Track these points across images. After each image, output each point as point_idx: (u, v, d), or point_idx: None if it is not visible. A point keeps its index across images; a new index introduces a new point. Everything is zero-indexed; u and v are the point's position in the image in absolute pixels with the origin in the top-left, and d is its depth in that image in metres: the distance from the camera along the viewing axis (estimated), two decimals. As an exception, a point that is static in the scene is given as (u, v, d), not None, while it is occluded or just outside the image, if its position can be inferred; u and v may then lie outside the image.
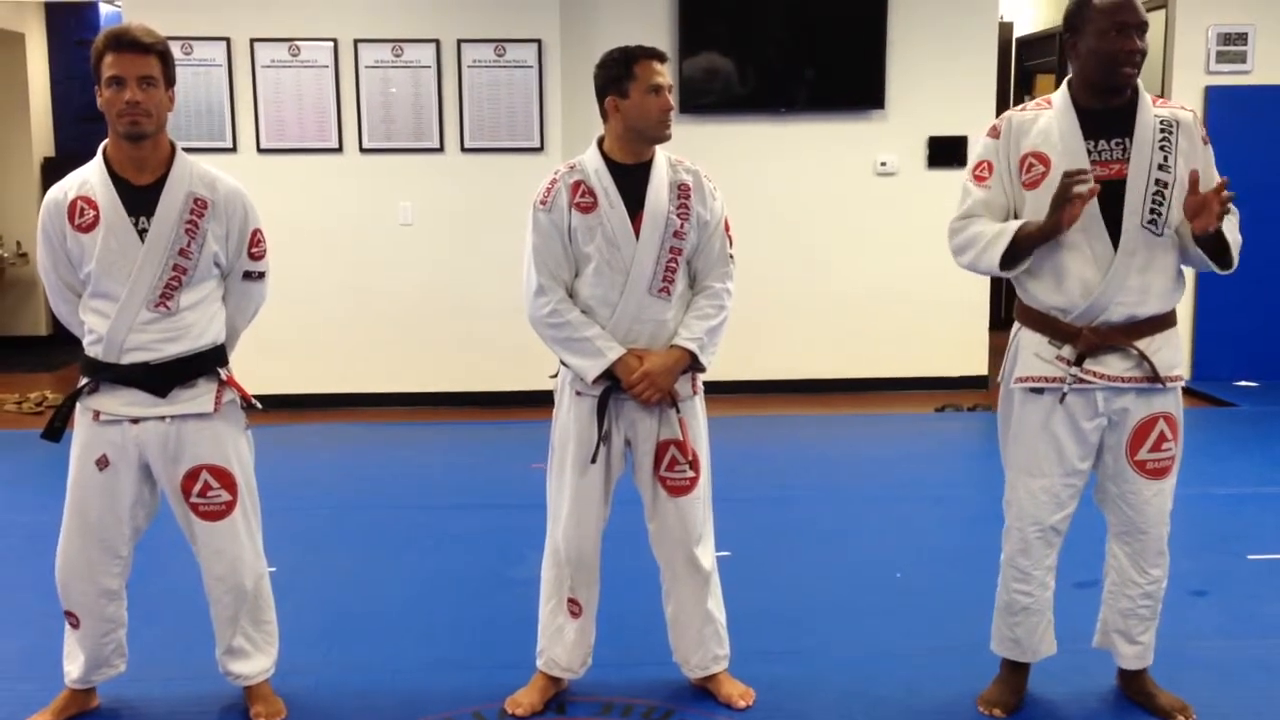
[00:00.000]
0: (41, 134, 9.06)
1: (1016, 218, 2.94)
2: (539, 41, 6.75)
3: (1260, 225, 7.22)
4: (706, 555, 3.17)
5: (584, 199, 3.02)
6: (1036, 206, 2.87)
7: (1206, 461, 5.63)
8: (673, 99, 3.05)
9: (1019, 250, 2.89)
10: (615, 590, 3.36)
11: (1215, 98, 7.12)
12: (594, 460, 3.05)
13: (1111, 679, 3.22)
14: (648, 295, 3.03)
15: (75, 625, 3.08)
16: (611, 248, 3.01)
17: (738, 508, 4.16)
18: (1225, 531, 4.59)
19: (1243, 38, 7.14)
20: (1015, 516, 3.07)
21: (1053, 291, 2.92)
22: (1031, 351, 2.97)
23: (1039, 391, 2.97)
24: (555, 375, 3.19)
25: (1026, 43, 9.22)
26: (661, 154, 3.10)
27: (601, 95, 3.04)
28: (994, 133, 2.99)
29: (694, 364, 3.08)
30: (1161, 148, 2.86)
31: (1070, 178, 2.76)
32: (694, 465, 3.11)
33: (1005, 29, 8.75)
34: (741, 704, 3.19)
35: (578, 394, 3.09)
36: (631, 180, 3.03)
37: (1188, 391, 7.17)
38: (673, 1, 7.00)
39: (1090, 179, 2.76)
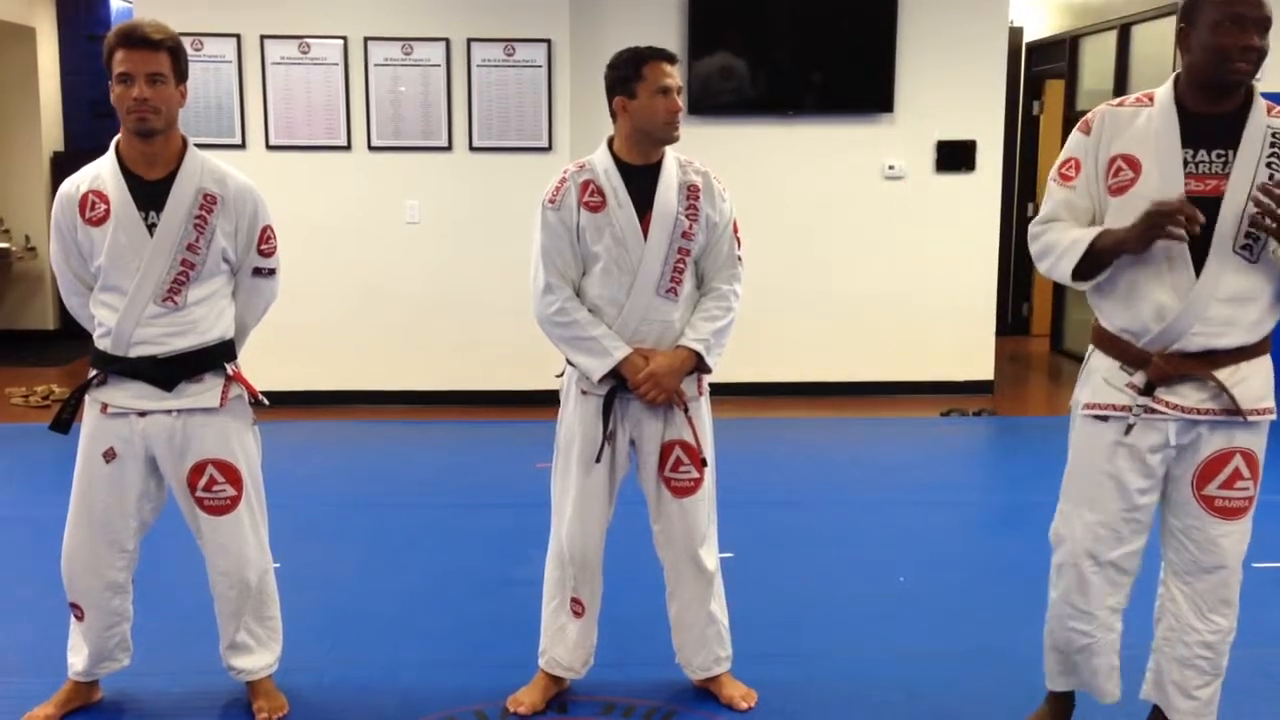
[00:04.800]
0: (51, 128, 9.07)
1: (1098, 224, 2.68)
2: (548, 41, 6.75)
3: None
4: (710, 556, 3.17)
5: (593, 198, 3.02)
6: (1120, 214, 2.60)
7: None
8: (681, 101, 3.05)
9: (1097, 262, 2.65)
10: (618, 590, 3.36)
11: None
12: (599, 460, 3.05)
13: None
14: (655, 295, 3.03)
15: (80, 618, 3.09)
16: (620, 247, 3.01)
17: (741, 510, 4.16)
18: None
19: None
20: (1068, 552, 2.80)
21: (1123, 312, 2.67)
22: (1101, 376, 2.73)
23: (1104, 419, 2.72)
24: (561, 374, 3.20)
25: (1036, 48, 9.20)
26: (671, 155, 3.10)
27: (610, 95, 3.04)
28: (1084, 127, 2.71)
29: (700, 365, 3.08)
30: (1269, 164, 2.56)
31: (1178, 214, 2.48)
32: (699, 466, 3.11)
33: (1015, 34, 8.75)
34: (743, 705, 3.19)
35: (583, 393, 3.09)
36: (641, 181, 3.03)
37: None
38: (683, 3, 7.00)
39: (1197, 228, 2.49)
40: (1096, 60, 8.29)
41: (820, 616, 3.83)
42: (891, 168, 7.22)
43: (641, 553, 3.30)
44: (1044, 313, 9.24)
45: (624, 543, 3.30)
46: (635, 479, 3.18)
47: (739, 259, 3.14)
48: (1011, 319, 9.30)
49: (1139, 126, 2.65)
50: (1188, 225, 2.49)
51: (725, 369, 3.21)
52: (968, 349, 7.39)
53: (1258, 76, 2.60)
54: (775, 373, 7.30)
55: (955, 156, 7.19)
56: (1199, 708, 2.79)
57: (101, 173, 2.93)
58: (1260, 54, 2.54)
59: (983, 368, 7.40)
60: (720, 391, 3.34)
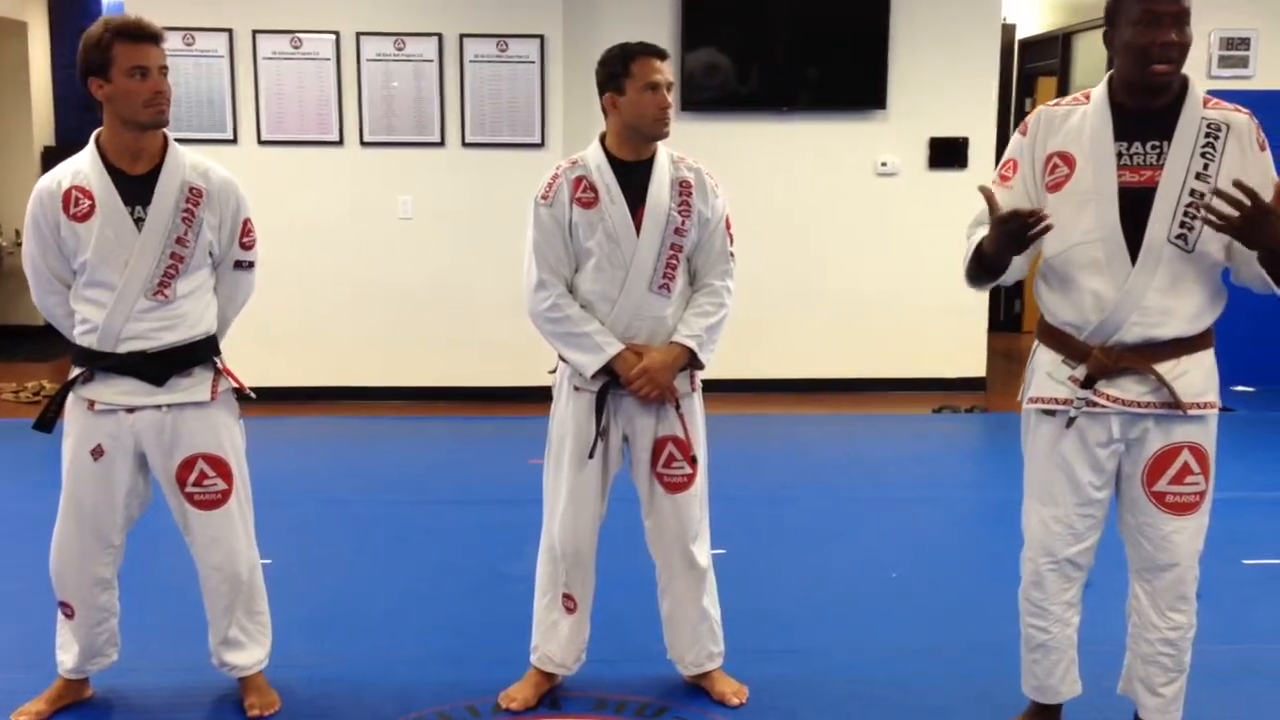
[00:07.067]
0: (42, 123, 9.04)
1: None
2: (541, 37, 6.75)
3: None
4: (703, 552, 3.17)
5: (585, 194, 3.02)
6: (1059, 210, 2.60)
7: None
8: (672, 97, 3.05)
9: (987, 266, 2.70)
10: (610, 587, 3.35)
11: (1217, 102, 7.10)
12: (591, 456, 3.05)
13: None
14: (648, 291, 3.03)
15: (69, 615, 3.08)
16: (612, 243, 3.01)
17: (734, 506, 4.15)
18: (1221, 536, 4.50)
19: (1245, 43, 7.14)
20: (1028, 546, 2.83)
21: (1064, 305, 2.71)
22: (1045, 371, 2.76)
23: (1050, 414, 2.73)
24: (554, 370, 3.19)
25: (1029, 45, 9.21)
26: (664, 151, 3.10)
27: (601, 92, 3.04)
28: (1023, 129, 2.75)
29: (693, 361, 3.08)
30: (1203, 154, 2.58)
31: (1018, 221, 2.54)
32: (691, 462, 3.11)
33: (1008, 31, 8.76)
34: (735, 701, 3.19)
35: (576, 389, 3.09)
36: (633, 177, 3.03)
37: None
38: (676, -1, 7.00)
39: (1044, 225, 2.52)
40: (1089, 57, 8.30)
41: (813, 613, 3.84)
42: (884, 164, 7.22)
43: (634, 549, 3.30)
44: (1036, 310, 9.22)
45: (616, 539, 3.29)
46: (628, 475, 3.18)
47: (731, 255, 3.14)
48: (1004, 315, 9.32)
49: (1074, 124, 2.67)
50: (1033, 223, 2.52)
51: (717, 365, 3.20)
52: (960, 346, 7.40)
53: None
54: (768, 369, 7.31)
55: (948, 153, 7.20)
56: (1164, 704, 2.81)
57: (82, 168, 2.92)
58: (1181, 48, 2.54)
59: (975, 364, 7.41)
60: (712, 387, 3.34)
